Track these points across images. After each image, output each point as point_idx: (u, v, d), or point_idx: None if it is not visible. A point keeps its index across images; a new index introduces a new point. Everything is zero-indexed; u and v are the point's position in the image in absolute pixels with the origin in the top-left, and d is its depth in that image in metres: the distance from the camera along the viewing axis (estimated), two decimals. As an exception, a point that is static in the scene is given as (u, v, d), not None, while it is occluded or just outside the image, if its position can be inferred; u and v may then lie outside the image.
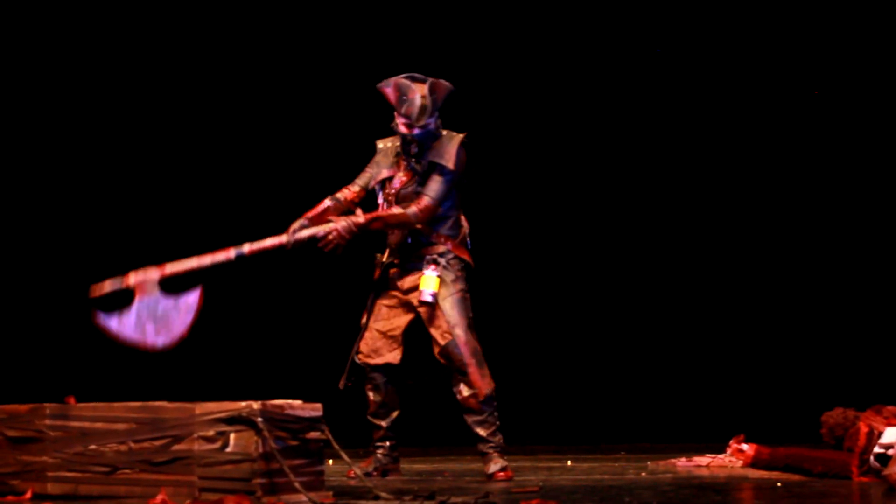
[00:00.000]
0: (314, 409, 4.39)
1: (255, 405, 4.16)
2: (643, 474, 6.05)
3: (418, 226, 5.80)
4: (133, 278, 5.48)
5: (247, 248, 5.71)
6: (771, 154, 9.85)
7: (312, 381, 7.62)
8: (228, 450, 4.16)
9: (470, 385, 5.79)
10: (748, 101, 9.82)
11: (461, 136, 5.90)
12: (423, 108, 5.75)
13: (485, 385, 5.80)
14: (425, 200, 5.78)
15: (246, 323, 9.53)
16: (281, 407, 4.25)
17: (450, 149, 5.84)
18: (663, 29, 9.87)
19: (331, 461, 6.47)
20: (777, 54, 9.73)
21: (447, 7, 9.77)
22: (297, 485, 4.14)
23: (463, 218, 6.02)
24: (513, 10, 9.83)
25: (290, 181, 9.58)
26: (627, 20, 9.88)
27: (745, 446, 5.90)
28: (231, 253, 5.70)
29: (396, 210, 5.80)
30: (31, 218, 9.34)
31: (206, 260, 5.70)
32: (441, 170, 5.81)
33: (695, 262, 9.97)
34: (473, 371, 5.78)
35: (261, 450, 4.13)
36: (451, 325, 5.78)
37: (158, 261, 9.49)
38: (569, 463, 7.16)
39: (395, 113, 5.83)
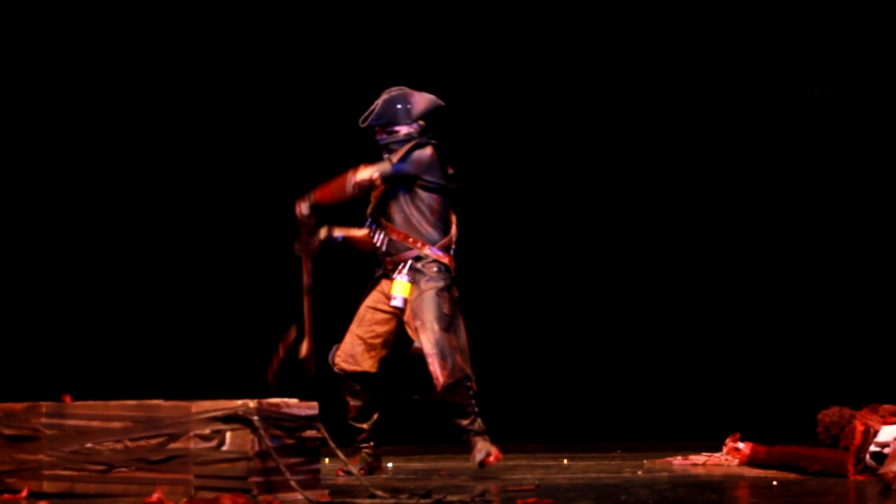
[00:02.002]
0: (310, 408, 4.39)
1: (251, 404, 4.16)
2: (639, 473, 6.05)
3: (352, 191, 5.87)
4: None
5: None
6: (769, 153, 9.85)
7: (309, 379, 7.63)
8: (224, 448, 4.16)
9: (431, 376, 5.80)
10: (748, 101, 9.81)
11: (418, 139, 5.96)
12: (370, 111, 5.96)
13: (442, 375, 5.78)
14: (361, 167, 5.87)
15: (242, 321, 9.52)
16: (277, 405, 4.25)
17: (402, 148, 5.93)
18: (663, 29, 9.86)
19: (327, 460, 6.47)
20: (777, 54, 9.72)
21: (448, 6, 9.75)
22: (293, 483, 4.14)
23: (453, 224, 6.03)
24: (512, 9, 9.82)
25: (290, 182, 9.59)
26: (627, 20, 9.87)
27: (741, 445, 5.89)
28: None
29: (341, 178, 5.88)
30: (28, 217, 9.33)
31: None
32: (389, 159, 5.92)
33: (691, 261, 9.98)
34: (433, 361, 5.79)
35: (257, 448, 4.13)
36: (419, 322, 5.80)
37: (157, 263, 9.54)
38: (565, 461, 7.16)
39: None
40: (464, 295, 9.31)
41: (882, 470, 4.96)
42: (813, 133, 9.76)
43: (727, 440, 5.97)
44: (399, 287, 5.87)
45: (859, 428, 5.49)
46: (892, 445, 5.30)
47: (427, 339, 5.80)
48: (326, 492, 4.38)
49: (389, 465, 6.82)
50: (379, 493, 4.26)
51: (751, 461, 5.81)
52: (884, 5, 9.43)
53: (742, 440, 6.01)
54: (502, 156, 9.83)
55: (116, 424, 4.34)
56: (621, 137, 9.98)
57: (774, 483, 5.26)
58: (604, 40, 9.89)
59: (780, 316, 9.75)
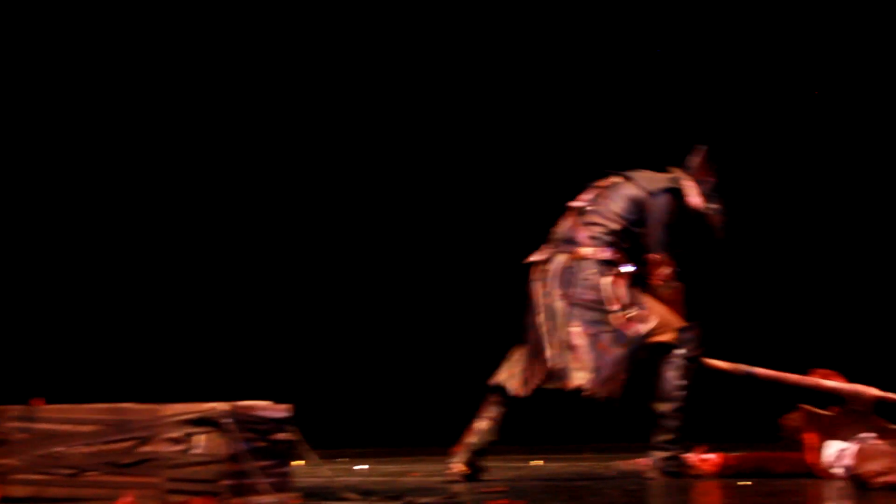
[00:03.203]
0: (282, 410, 4.38)
1: (223, 406, 4.15)
2: (610, 473, 6.06)
3: None
4: None
5: None
6: (767, 154, 9.78)
7: (284, 381, 7.62)
8: (195, 451, 4.15)
9: None
10: (748, 101, 9.75)
11: None
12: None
13: None
14: None
15: (213, 324, 9.50)
16: (249, 408, 4.24)
17: None
18: (663, 29, 9.80)
19: (301, 462, 6.46)
20: (777, 54, 9.68)
21: (444, 6, 9.73)
22: (264, 486, 4.13)
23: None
24: (511, 8, 9.77)
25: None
26: (627, 20, 9.81)
27: (710, 456, 5.85)
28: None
29: None
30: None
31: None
32: None
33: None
34: None
35: (228, 451, 4.12)
36: None
37: (127, 266, 9.49)
38: (536, 462, 7.17)
39: (701, 185, 5.88)
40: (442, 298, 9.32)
41: (858, 470, 4.99)
42: (813, 133, 9.70)
43: (695, 452, 5.91)
44: None
45: (807, 443, 5.55)
46: (848, 451, 5.31)
47: None
48: (298, 494, 4.37)
49: (363, 466, 6.82)
50: (350, 495, 4.26)
51: (721, 471, 5.79)
52: (884, 5, 9.39)
53: (711, 451, 5.96)
54: (504, 156, 9.78)
55: (86, 428, 4.32)
56: (621, 137, 9.87)
57: (744, 483, 5.28)
58: (603, 40, 9.82)
59: (744, 317, 9.70)
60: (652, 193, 5.77)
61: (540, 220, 6.17)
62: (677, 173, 5.88)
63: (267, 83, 9.70)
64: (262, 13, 9.60)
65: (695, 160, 5.87)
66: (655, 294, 5.75)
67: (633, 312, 5.59)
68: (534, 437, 9.34)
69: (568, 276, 5.65)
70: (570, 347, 5.54)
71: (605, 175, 5.97)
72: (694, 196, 5.80)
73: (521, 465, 6.97)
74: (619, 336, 5.56)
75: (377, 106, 9.74)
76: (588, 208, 5.81)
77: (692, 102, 9.84)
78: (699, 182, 5.83)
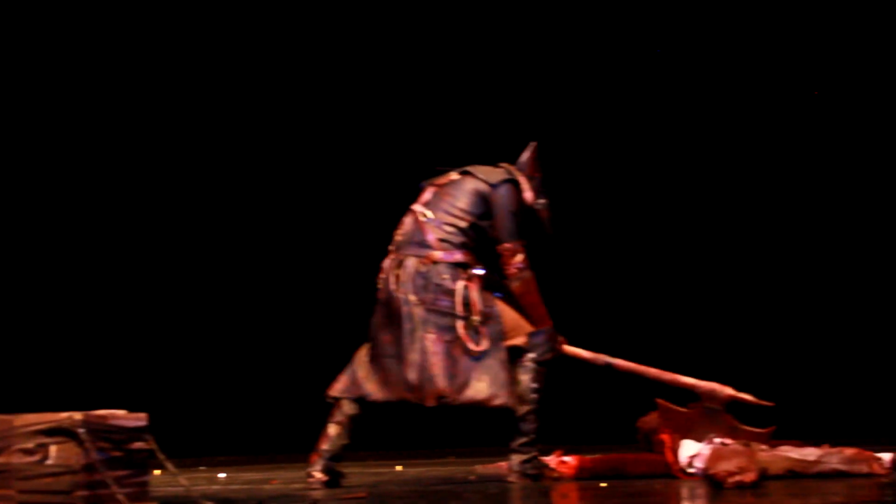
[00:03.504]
0: (138, 419, 4.32)
1: (77, 416, 4.08)
2: (472, 478, 6.09)
3: None
4: None
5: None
6: (767, 155, 9.83)
7: (139, 389, 7.51)
8: (49, 462, 4.08)
9: None
10: (748, 101, 9.79)
11: None
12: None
13: None
14: None
15: (70, 331, 9.33)
16: (104, 417, 4.17)
17: None
18: (663, 29, 9.81)
19: (158, 471, 6.37)
20: (777, 54, 9.74)
21: (445, 6, 9.67)
22: (120, 497, 4.07)
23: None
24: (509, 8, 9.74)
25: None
26: (628, 20, 9.80)
27: (567, 458, 5.91)
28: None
29: None
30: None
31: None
32: None
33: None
34: None
35: (83, 462, 4.05)
36: None
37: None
38: (398, 468, 7.18)
39: (531, 181, 5.86)
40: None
41: (713, 470, 5.09)
42: (813, 133, 9.77)
43: (552, 457, 5.96)
44: None
45: (665, 443, 5.64)
46: (702, 452, 5.41)
47: None
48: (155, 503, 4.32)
49: (222, 475, 6.76)
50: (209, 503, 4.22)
51: (579, 474, 5.85)
52: (884, 5, 9.50)
53: (568, 451, 6.02)
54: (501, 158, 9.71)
55: (-65, 440, 4.21)
56: (621, 138, 9.85)
57: (603, 485, 5.34)
58: (603, 40, 9.80)
59: (604, 311, 9.78)
60: (494, 185, 5.80)
61: (378, 223, 6.16)
62: (508, 168, 5.93)
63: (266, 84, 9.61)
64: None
65: (525, 156, 5.93)
66: (509, 288, 5.77)
67: (479, 324, 5.62)
68: (394, 442, 9.37)
69: (422, 282, 5.65)
70: (429, 354, 5.55)
71: (440, 173, 5.96)
72: (525, 191, 5.86)
73: (383, 470, 6.97)
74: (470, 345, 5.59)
75: (213, 112, 9.66)
76: (432, 209, 5.80)
77: (690, 102, 9.86)
78: (529, 178, 5.88)
